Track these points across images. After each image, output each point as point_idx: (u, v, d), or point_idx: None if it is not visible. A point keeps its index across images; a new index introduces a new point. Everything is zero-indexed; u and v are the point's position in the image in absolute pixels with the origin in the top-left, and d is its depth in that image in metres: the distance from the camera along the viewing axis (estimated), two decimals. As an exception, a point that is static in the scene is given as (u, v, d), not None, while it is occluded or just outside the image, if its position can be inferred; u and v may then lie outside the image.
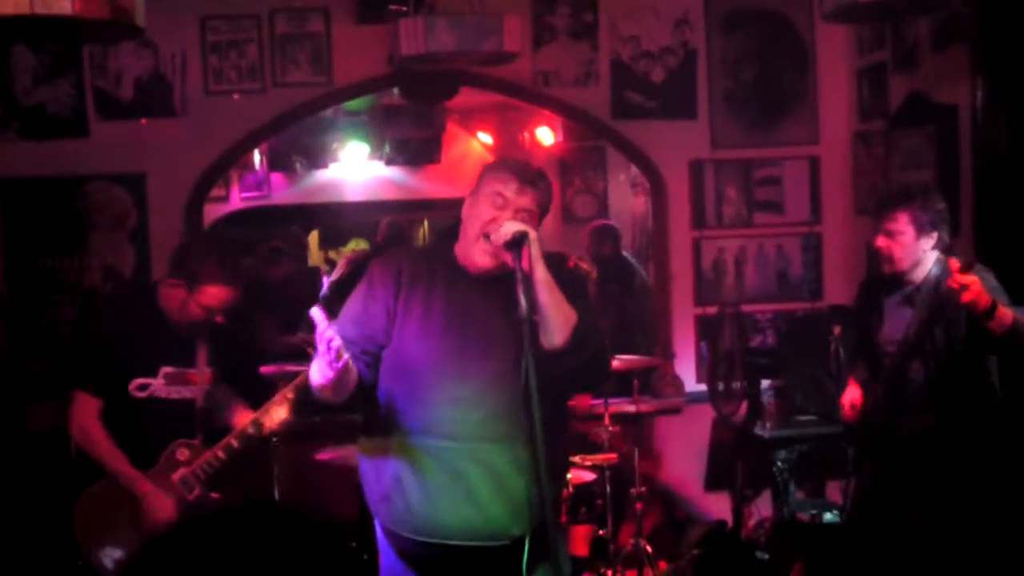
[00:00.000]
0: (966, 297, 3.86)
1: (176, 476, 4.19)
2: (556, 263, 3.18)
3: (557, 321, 3.07)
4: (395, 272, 3.25)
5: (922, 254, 4.27)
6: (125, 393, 4.16)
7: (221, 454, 4.19)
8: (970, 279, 3.85)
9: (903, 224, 4.24)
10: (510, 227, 3.03)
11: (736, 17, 6.47)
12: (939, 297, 4.14)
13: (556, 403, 3.30)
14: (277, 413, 4.21)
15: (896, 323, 4.37)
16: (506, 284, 3.08)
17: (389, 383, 3.24)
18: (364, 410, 3.36)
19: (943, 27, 5.42)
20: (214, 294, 4.16)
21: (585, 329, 3.13)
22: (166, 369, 4.21)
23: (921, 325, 4.22)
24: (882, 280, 4.46)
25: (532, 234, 3.02)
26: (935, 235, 4.26)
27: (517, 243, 3.00)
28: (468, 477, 3.15)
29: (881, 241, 4.30)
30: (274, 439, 4.86)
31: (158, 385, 4.20)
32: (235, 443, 4.20)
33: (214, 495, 4.27)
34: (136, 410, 4.18)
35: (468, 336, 3.17)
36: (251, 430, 4.20)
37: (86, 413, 4.15)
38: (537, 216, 3.18)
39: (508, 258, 3.02)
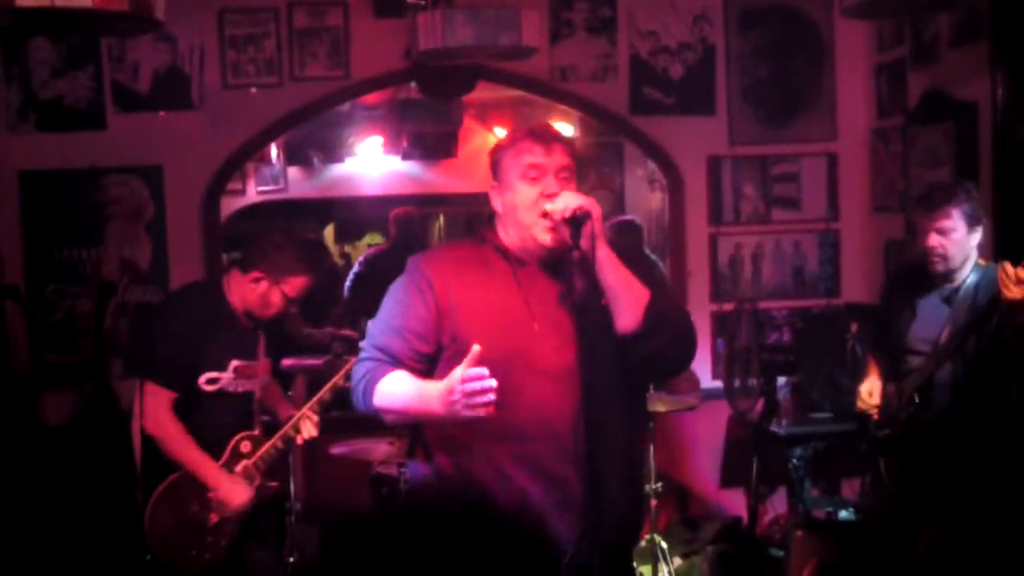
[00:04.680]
0: (1011, 293, 3.77)
1: (239, 467, 4.29)
2: None
3: (627, 301, 2.85)
4: (440, 271, 2.99)
5: (971, 249, 4.26)
6: (194, 387, 4.19)
7: (280, 444, 4.34)
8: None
9: (955, 220, 4.22)
10: (570, 202, 2.80)
11: (754, 13, 6.45)
12: (978, 302, 4.11)
13: (635, 395, 3.09)
14: (306, 430, 4.37)
15: (929, 322, 4.34)
16: (567, 268, 2.91)
17: None
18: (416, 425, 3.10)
19: (962, 23, 5.39)
20: (299, 284, 4.24)
21: (661, 307, 2.90)
22: (236, 363, 4.25)
23: (958, 329, 4.19)
24: (917, 277, 4.42)
25: (595, 212, 2.79)
26: (980, 227, 4.25)
27: (577, 222, 2.77)
28: (568, 482, 2.87)
29: (934, 240, 4.25)
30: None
31: (227, 379, 4.23)
32: (292, 432, 4.35)
33: (273, 484, 4.41)
34: (202, 404, 4.22)
35: (536, 327, 2.91)
36: (292, 433, 4.37)
37: (160, 406, 4.16)
38: (575, 170, 2.96)
39: (568, 234, 2.79)
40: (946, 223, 4.23)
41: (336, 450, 5.25)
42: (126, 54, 6.07)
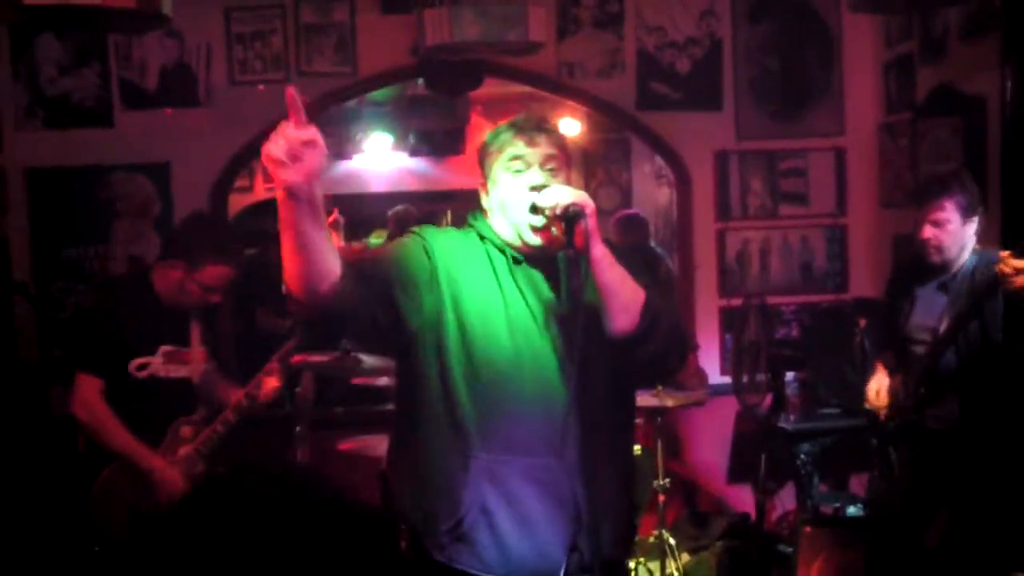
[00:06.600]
0: (1020, 282, 3.78)
1: (181, 453, 4.24)
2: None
3: (624, 301, 2.65)
4: (443, 248, 2.77)
5: (967, 239, 4.27)
6: (125, 374, 4.15)
7: (220, 428, 4.28)
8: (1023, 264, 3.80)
9: (949, 212, 4.23)
10: (561, 198, 2.62)
11: (762, 7, 6.44)
12: (976, 287, 4.12)
13: (627, 399, 2.94)
14: (268, 383, 4.32)
15: (928, 311, 4.35)
16: (559, 267, 2.77)
17: (454, 388, 2.71)
18: (407, 417, 2.86)
19: (971, 17, 5.38)
20: (215, 274, 4.15)
21: (656, 307, 2.69)
22: (164, 348, 4.20)
23: (957, 315, 4.19)
24: (916, 268, 4.43)
25: (588, 207, 2.59)
26: (976, 218, 4.26)
27: (570, 219, 2.58)
28: (564, 492, 2.70)
29: (928, 232, 4.27)
30: (297, 427, 4.93)
31: (157, 364, 4.19)
32: (231, 416, 4.29)
33: (220, 470, 4.33)
34: (136, 391, 4.17)
35: (541, 326, 2.72)
36: (245, 402, 4.29)
37: (88, 393, 4.13)
38: (566, 161, 2.81)
39: (560, 232, 2.62)
40: (940, 215, 4.24)
41: (344, 446, 5.25)
42: (133, 51, 6.08)
